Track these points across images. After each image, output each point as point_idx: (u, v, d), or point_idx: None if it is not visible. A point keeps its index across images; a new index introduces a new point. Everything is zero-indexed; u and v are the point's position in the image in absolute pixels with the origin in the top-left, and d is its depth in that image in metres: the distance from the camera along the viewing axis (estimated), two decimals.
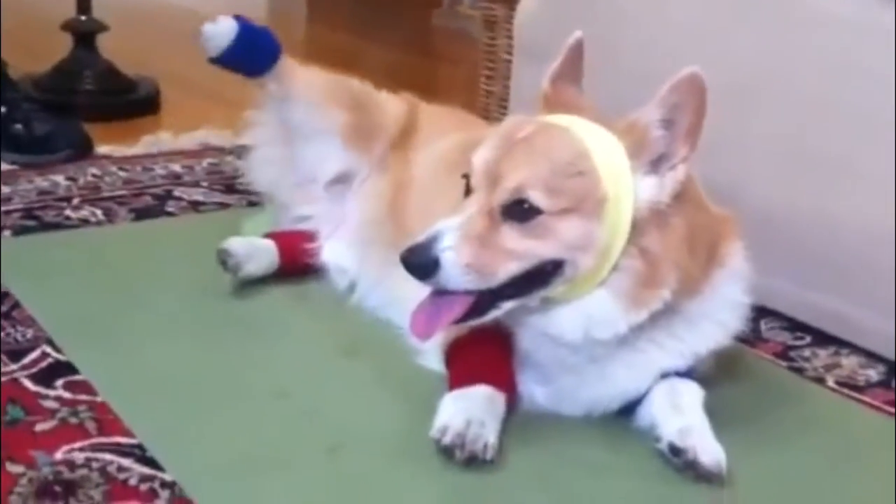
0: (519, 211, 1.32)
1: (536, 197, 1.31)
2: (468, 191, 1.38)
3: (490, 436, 1.37)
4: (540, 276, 1.35)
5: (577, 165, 1.33)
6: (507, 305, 1.36)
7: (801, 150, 1.81)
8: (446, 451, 1.35)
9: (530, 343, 1.45)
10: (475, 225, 1.32)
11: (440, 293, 1.34)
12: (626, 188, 1.34)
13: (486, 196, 1.34)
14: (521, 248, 1.32)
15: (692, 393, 1.46)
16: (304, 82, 1.86)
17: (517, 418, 1.46)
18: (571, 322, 1.38)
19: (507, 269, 1.32)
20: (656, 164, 1.36)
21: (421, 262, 1.30)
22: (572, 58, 1.48)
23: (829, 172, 1.77)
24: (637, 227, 1.34)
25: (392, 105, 1.93)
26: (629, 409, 1.48)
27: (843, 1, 1.74)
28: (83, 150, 2.47)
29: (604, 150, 1.34)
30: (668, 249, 1.35)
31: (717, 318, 1.47)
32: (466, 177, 1.39)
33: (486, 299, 1.34)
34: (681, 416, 1.42)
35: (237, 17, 1.79)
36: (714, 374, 1.55)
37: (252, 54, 1.80)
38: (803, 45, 1.80)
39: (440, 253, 1.29)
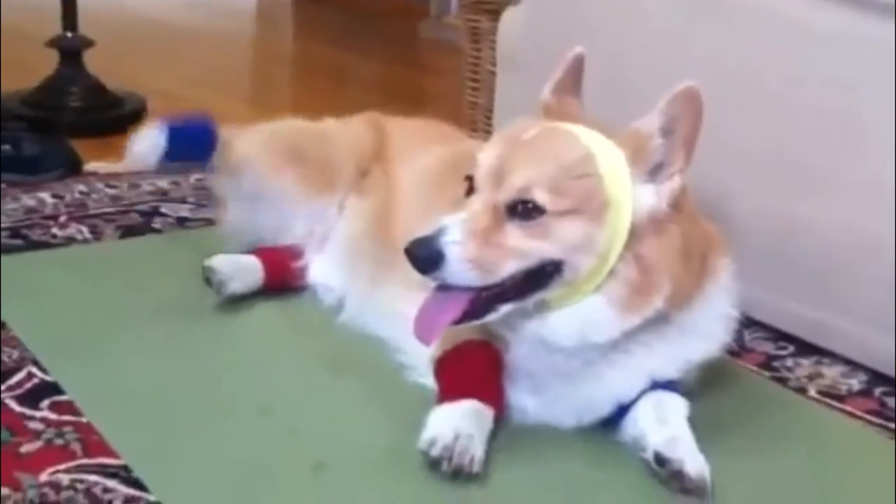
0: (523, 210, 1.35)
1: (541, 196, 1.34)
2: (470, 191, 1.40)
3: (477, 449, 1.38)
4: (539, 278, 1.37)
5: (583, 168, 1.36)
6: (506, 308, 1.38)
7: (779, 160, 1.82)
8: (434, 464, 1.36)
9: (524, 351, 1.46)
10: (480, 221, 1.34)
11: (439, 293, 1.36)
12: (627, 194, 1.37)
13: (491, 194, 1.36)
14: (523, 247, 1.35)
15: (678, 407, 1.48)
16: (245, 152, 1.86)
17: (505, 432, 1.47)
18: (567, 327, 1.39)
19: (509, 267, 1.34)
20: (654, 173, 1.39)
21: (426, 255, 1.32)
22: (572, 71, 1.51)
23: (808, 182, 1.79)
24: (634, 234, 1.37)
25: (348, 134, 1.93)
26: (615, 423, 1.49)
27: (821, 11, 1.75)
28: (72, 170, 2.48)
29: (607, 155, 1.38)
30: (663, 257, 1.38)
31: (707, 330, 1.49)
32: (469, 178, 1.41)
33: (484, 300, 1.36)
34: (667, 427, 1.43)
35: (162, 123, 1.80)
36: (698, 384, 1.56)
37: (189, 148, 1.82)
38: (778, 55, 1.82)
39: (445, 246, 1.31)
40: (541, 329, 1.41)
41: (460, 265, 1.32)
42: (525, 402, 1.50)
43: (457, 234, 1.33)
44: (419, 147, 1.87)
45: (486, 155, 1.40)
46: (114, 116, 3.00)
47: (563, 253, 1.36)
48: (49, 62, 3.04)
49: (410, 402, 1.51)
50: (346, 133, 1.94)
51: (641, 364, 1.46)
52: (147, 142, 1.78)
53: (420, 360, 1.56)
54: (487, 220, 1.35)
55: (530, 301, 1.39)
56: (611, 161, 1.38)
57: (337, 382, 1.62)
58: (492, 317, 1.39)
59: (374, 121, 1.98)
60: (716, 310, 1.50)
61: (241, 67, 4.19)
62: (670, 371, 1.48)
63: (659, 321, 1.42)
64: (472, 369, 1.47)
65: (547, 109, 1.50)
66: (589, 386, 1.47)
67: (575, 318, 1.39)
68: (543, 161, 1.36)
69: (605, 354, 1.44)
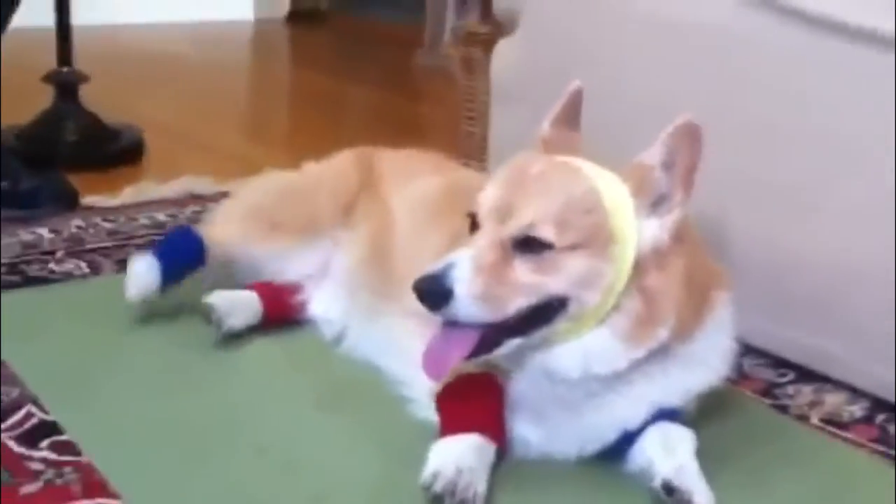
0: (530, 245, 1.35)
1: (548, 232, 1.34)
2: (473, 227, 1.40)
3: (480, 484, 1.37)
4: (545, 313, 1.37)
5: (589, 203, 1.36)
6: (514, 342, 1.38)
7: (775, 187, 1.83)
8: (436, 499, 1.35)
9: (527, 382, 1.46)
10: (487, 257, 1.34)
11: (448, 329, 1.36)
12: (632, 228, 1.37)
13: (496, 230, 1.36)
14: (531, 282, 1.35)
15: (686, 438, 1.48)
16: (226, 238, 1.89)
17: (507, 465, 1.46)
18: (572, 359, 1.39)
19: (518, 303, 1.34)
20: (657, 206, 1.40)
21: (435, 291, 1.31)
22: (571, 104, 1.53)
23: (803, 209, 1.79)
24: (639, 267, 1.37)
25: (327, 175, 1.95)
26: (620, 453, 1.49)
27: (812, 40, 1.77)
28: (69, 205, 2.48)
29: (611, 189, 1.38)
30: (668, 290, 1.38)
31: (707, 361, 1.50)
32: (472, 215, 1.41)
33: (491, 335, 1.36)
34: (675, 457, 1.43)
35: (146, 250, 1.84)
36: (699, 411, 1.55)
37: (184, 262, 1.85)
38: (770, 83, 1.83)
39: (454, 283, 1.31)
40: (545, 361, 1.41)
41: (469, 302, 1.32)
42: (528, 433, 1.50)
43: (465, 271, 1.32)
44: (411, 177, 1.87)
45: (491, 191, 1.41)
46: (110, 150, 3.01)
47: (570, 288, 1.36)
48: (45, 97, 3.05)
49: (409, 437, 1.50)
50: (325, 174, 1.96)
51: (642, 393, 1.46)
52: (141, 276, 1.81)
53: (421, 393, 1.56)
54: (494, 256, 1.35)
55: (537, 336, 1.39)
56: (615, 195, 1.38)
57: (335, 417, 1.62)
58: (500, 351, 1.39)
59: (359, 155, 1.99)
60: (716, 341, 1.50)
61: (237, 97, 4.21)
62: (671, 400, 1.48)
63: (660, 352, 1.42)
64: (474, 403, 1.46)
65: (546, 143, 1.50)
66: (591, 415, 1.47)
67: (580, 350, 1.39)
68: (549, 196, 1.37)
69: (608, 384, 1.44)
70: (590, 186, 1.38)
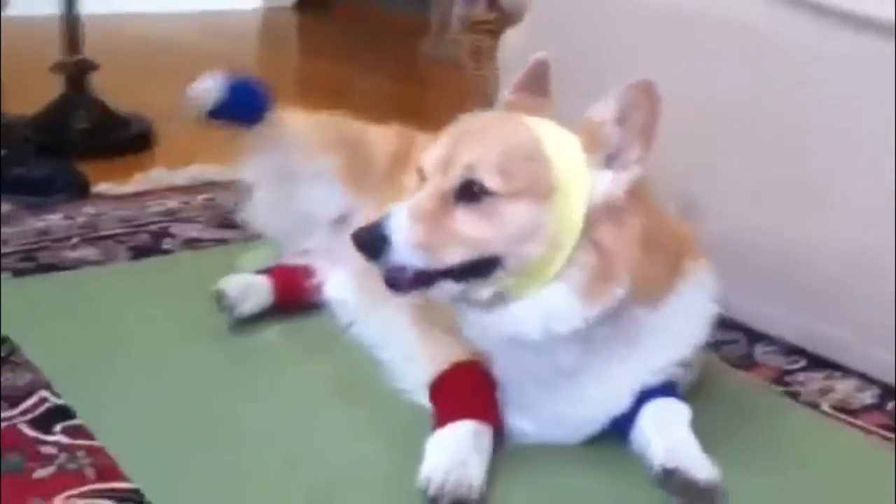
0: (470, 192, 1.35)
1: (487, 177, 1.34)
2: (422, 182, 1.41)
3: (474, 477, 1.37)
4: (483, 268, 1.36)
5: (528, 150, 1.37)
6: (449, 285, 1.37)
7: (784, 178, 1.82)
8: (433, 501, 1.35)
9: (504, 361, 1.46)
10: (426, 206, 1.35)
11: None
12: (579, 180, 1.36)
13: (440, 181, 1.37)
14: (471, 232, 1.34)
15: (678, 412, 1.47)
16: (295, 128, 1.87)
17: (507, 451, 1.47)
18: (530, 318, 1.38)
19: (455, 253, 1.34)
20: (611, 160, 1.39)
21: (371, 240, 1.33)
22: (535, 73, 1.52)
23: (814, 200, 1.79)
24: (591, 221, 1.36)
25: (382, 140, 1.95)
26: (622, 434, 1.49)
27: (817, 32, 1.76)
28: (80, 193, 2.49)
29: (556, 140, 1.38)
30: (622, 245, 1.37)
31: (679, 330, 1.49)
32: (420, 170, 1.42)
33: (428, 274, 1.36)
34: (668, 436, 1.43)
35: (224, 73, 1.80)
36: (710, 399, 1.56)
37: (243, 107, 1.81)
38: (775, 76, 1.82)
39: (390, 231, 1.32)
40: (505, 324, 1.40)
41: (405, 248, 1.32)
42: (521, 423, 1.50)
43: (402, 220, 1.33)
44: None
45: (437, 145, 1.41)
46: (120, 138, 3.01)
47: (509, 242, 1.35)
48: (54, 86, 3.05)
49: (416, 427, 1.50)
50: (383, 138, 1.96)
51: (619, 376, 1.46)
52: (206, 86, 1.77)
53: (415, 386, 1.56)
54: (434, 205, 1.35)
55: (476, 289, 1.38)
56: (560, 146, 1.38)
57: (344, 406, 1.62)
58: (435, 292, 1.37)
59: (404, 134, 1.99)
60: (688, 308, 1.48)
61: None
62: (650, 376, 1.48)
63: (627, 322, 1.42)
64: (467, 391, 1.47)
65: (509, 106, 1.51)
66: (571, 401, 1.47)
67: (537, 308, 1.38)
68: (490, 144, 1.37)
69: (578, 362, 1.43)
70: (531, 135, 1.38)
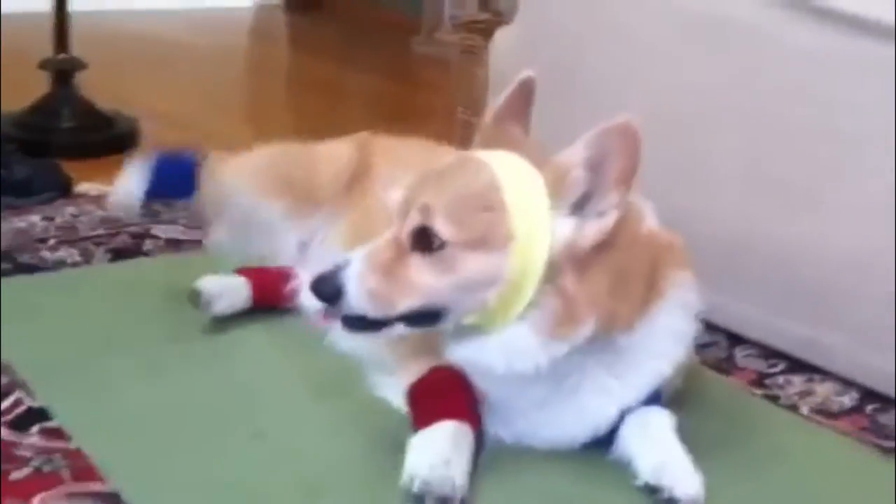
0: (424, 239, 1.34)
1: (440, 225, 1.33)
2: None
3: (457, 475, 1.37)
4: (430, 316, 1.37)
5: (485, 199, 1.34)
6: (399, 328, 1.38)
7: (769, 179, 1.83)
8: (417, 500, 1.35)
9: (480, 382, 1.46)
10: (382, 254, 1.36)
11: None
12: (540, 226, 1.34)
13: (398, 226, 1.37)
14: (423, 281, 1.35)
15: (663, 423, 1.47)
16: (233, 182, 1.88)
17: (490, 452, 1.47)
18: (494, 353, 1.39)
19: (406, 304, 1.35)
20: (580, 206, 1.36)
21: (326, 289, 1.35)
22: (520, 95, 1.48)
23: (799, 200, 1.79)
24: (552, 267, 1.34)
25: (333, 157, 1.93)
26: (604, 440, 1.48)
27: (812, 31, 1.76)
28: (63, 192, 2.48)
29: (519, 185, 1.35)
30: (586, 292, 1.35)
31: (656, 350, 1.47)
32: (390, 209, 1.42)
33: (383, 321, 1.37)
34: (654, 451, 1.43)
35: (143, 161, 1.82)
36: (689, 403, 1.55)
37: (173, 184, 1.85)
38: (769, 74, 1.82)
39: (345, 280, 1.34)
40: (470, 355, 1.42)
41: (358, 299, 1.34)
42: (499, 431, 1.50)
43: (357, 268, 1.34)
44: (405, 167, 1.86)
45: (403, 188, 1.41)
46: (105, 137, 3.00)
47: (462, 289, 1.35)
48: (41, 83, 3.04)
49: (401, 424, 1.50)
50: (331, 154, 1.95)
51: (596, 405, 1.45)
52: (129, 180, 1.78)
53: (393, 394, 1.56)
54: (390, 253, 1.36)
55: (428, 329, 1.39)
56: (522, 191, 1.35)
57: (327, 404, 1.62)
58: (389, 334, 1.39)
59: (360, 141, 1.98)
60: (665, 327, 1.46)
61: (235, 84, 4.20)
62: (631, 399, 1.46)
63: (600, 348, 1.41)
64: (444, 390, 1.46)
65: (484, 135, 1.48)
66: (550, 428, 1.47)
67: (500, 344, 1.38)
68: (445, 190, 1.36)
69: (553, 390, 1.43)
70: (490, 182, 1.35)
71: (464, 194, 1.35)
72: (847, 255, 1.74)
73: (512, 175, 1.36)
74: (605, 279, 1.37)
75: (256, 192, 1.86)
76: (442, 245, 1.34)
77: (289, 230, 1.87)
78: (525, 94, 1.49)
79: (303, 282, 1.88)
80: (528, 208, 1.34)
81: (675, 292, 1.47)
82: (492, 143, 1.45)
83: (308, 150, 1.96)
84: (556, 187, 1.35)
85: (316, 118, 3.46)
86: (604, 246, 1.36)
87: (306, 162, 1.92)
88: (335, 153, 1.94)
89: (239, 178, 1.88)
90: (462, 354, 1.43)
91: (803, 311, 1.81)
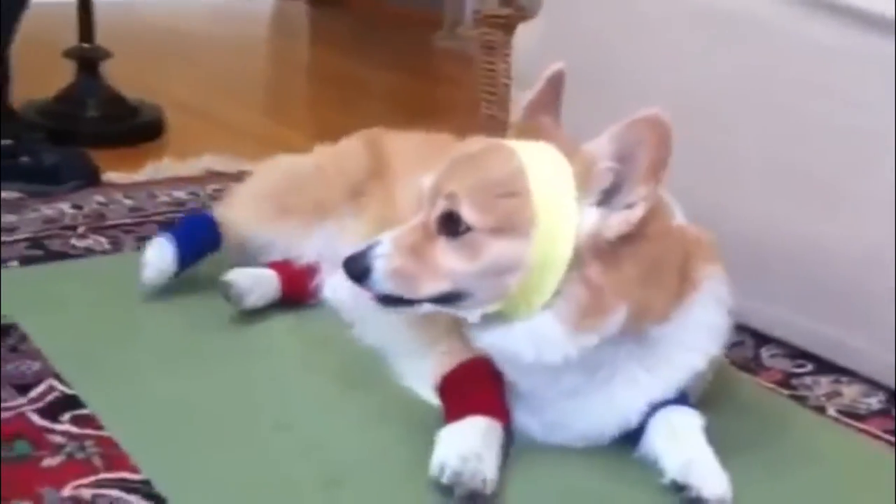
0: (450, 224, 1.36)
1: (466, 211, 1.35)
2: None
3: (488, 470, 1.37)
4: (453, 298, 1.39)
5: (510, 185, 1.35)
6: (431, 307, 1.40)
7: (794, 177, 1.82)
8: (446, 490, 1.35)
9: (507, 370, 1.47)
10: (409, 236, 1.39)
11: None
12: (564, 215, 1.35)
13: (427, 211, 1.39)
14: (447, 264, 1.36)
15: (691, 422, 1.46)
16: (238, 221, 1.91)
17: (517, 448, 1.47)
18: (522, 342, 1.39)
19: (432, 287, 1.37)
20: (608, 197, 1.36)
21: (356, 268, 1.39)
22: (551, 88, 1.49)
23: (821, 197, 1.78)
24: (578, 256, 1.35)
25: (338, 160, 1.94)
26: (631, 437, 1.49)
27: (829, 27, 1.76)
28: (91, 181, 2.49)
29: (544, 173, 1.36)
30: (613, 282, 1.35)
31: (690, 344, 1.47)
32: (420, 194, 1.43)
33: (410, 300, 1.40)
34: (681, 449, 1.42)
35: (163, 235, 1.86)
36: (716, 402, 1.55)
37: (200, 245, 1.89)
38: (789, 71, 1.82)
39: (374, 260, 1.37)
40: (499, 343, 1.42)
41: (384, 278, 1.37)
42: (528, 423, 1.50)
43: (385, 249, 1.38)
44: (420, 162, 1.86)
45: (430, 176, 1.42)
46: (131, 126, 3.02)
47: (485, 274, 1.36)
48: (67, 72, 3.06)
49: (426, 417, 1.50)
50: (334, 158, 1.95)
51: (628, 396, 1.45)
52: (156, 261, 1.83)
53: (421, 385, 1.57)
54: (418, 235, 1.38)
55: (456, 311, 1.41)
56: (546, 179, 1.36)
57: (354, 396, 1.63)
58: (420, 311, 1.42)
59: (370, 138, 1.98)
60: (699, 321, 1.46)
61: (256, 76, 4.21)
62: (661, 396, 1.46)
63: (634, 341, 1.41)
64: (476, 386, 1.47)
65: (518, 129, 1.49)
66: (583, 417, 1.46)
67: (529, 333, 1.38)
68: (471, 176, 1.38)
69: (584, 381, 1.43)
70: (515, 168, 1.36)
71: (489, 181, 1.36)
72: (874, 255, 1.73)
73: (538, 163, 1.37)
74: (636, 270, 1.37)
75: (262, 226, 1.90)
76: (467, 230, 1.35)
77: (309, 237, 1.90)
78: (555, 88, 1.50)
79: (325, 279, 1.90)
80: (553, 196, 1.35)
81: (709, 285, 1.47)
82: (525, 136, 1.46)
83: (313, 164, 1.96)
84: (584, 177, 1.36)
85: (336, 111, 3.47)
86: (634, 237, 1.36)
87: (312, 178, 1.93)
88: (343, 160, 1.94)
89: (244, 217, 1.91)
90: (488, 340, 1.43)
91: (830, 311, 1.80)
